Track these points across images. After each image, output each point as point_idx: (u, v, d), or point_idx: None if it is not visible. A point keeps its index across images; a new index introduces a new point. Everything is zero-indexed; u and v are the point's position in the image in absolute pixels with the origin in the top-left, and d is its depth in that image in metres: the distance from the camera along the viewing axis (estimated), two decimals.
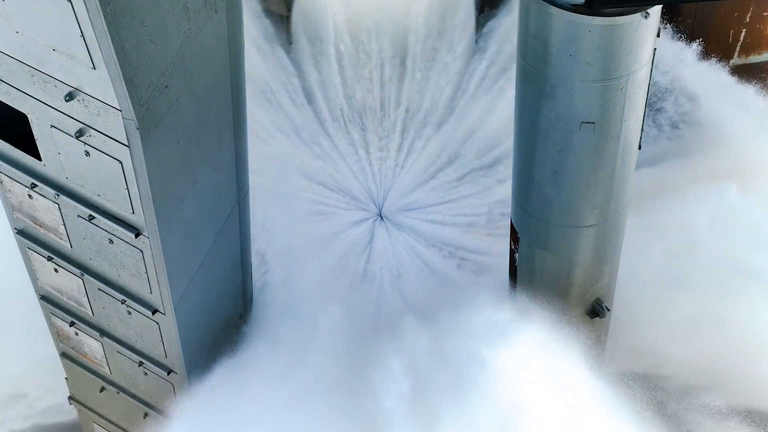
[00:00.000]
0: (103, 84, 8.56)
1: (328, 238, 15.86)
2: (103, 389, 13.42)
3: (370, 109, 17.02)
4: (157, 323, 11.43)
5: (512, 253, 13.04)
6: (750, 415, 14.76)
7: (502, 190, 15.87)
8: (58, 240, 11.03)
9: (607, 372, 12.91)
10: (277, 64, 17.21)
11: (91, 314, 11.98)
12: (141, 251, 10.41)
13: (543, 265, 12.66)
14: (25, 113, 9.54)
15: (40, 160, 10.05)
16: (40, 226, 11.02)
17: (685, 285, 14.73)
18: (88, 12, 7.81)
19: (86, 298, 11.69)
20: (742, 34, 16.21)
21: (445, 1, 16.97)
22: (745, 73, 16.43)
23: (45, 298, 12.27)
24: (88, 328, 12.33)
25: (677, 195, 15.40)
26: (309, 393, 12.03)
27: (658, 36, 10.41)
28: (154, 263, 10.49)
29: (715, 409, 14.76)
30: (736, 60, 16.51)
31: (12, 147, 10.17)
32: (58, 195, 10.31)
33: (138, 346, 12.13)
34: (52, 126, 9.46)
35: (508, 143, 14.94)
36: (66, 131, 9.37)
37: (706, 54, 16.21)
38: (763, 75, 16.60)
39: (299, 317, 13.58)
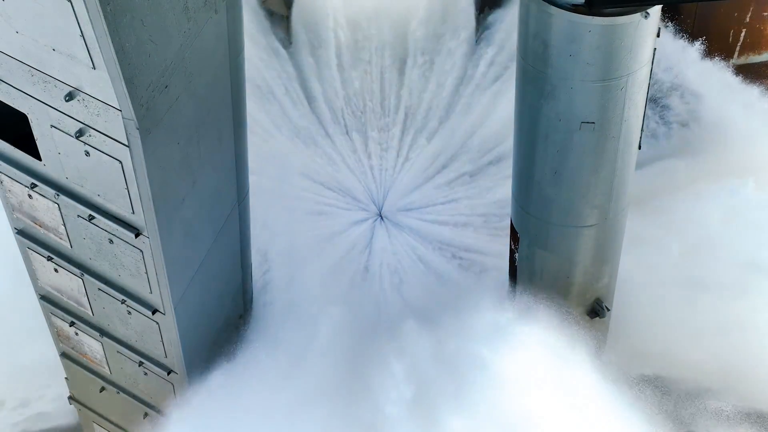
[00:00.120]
0: (103, 84, 8.56)
1: (328, 238, 15.86)
2: (103, 389, 13.42)
3: (370, 109, 17.02)
4: (157, 323, 11.43)
5: (512, 253, 13.04)
6: (759, 420, 14.70)
7: (502, 190, 15.87)
8: (58, 240, 11.03)
9: (617, 375, 12.82)
10: (277, 64, 17.21)
11: (91, 314, 11.98)
12: (141, 251, 10.41)
13: (543, 265, 12.66)
14: (25, 113, 9.54)
15: (40, 160, 10.05)
16: (40, 226, 11.02)
17: (703, 284, 14.60)
18: (88, 12, 7.81)
19: (86, 298, 11.69)
20: (742, 34, 16.22)
21: (445, 1, 16.98)
22: (745, 73, 16.43)
23: (45, 298, 12.27)
24: (88, 328, 12.33)
25: (688, 192, 15.31)
26: (308, 399, 12.00)
27: (658, 36, 10.41)
28: (154, 263, 10.49)
29: (730, 413, 14.67)
30: (736, 60, 16.51)
31: (12, 147, 10.17)
32: (58, 195, 10.31)
33: (138, 346, 12.13)
34: (52, 126, 9.46)
35: (508, 143, 14.94)
36: (66, 131, 9.37)
37: (706, 54, 16.22)
38: (764, 75, 16.61)
39: (299, 318, 13.57)
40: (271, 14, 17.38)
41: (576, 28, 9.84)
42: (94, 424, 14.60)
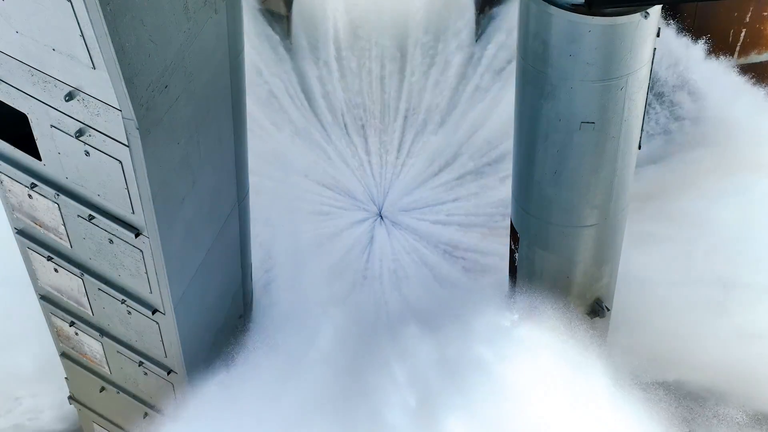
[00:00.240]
0: (103, 84, 8.56)
1: (328, 238, 15.86)
2: (103, 389, 13.42)
3: (370, 109, 17.02)
4: (157, 323, 11.43)
5: (512, 253, 13.04)
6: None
7: (502, 190, 15.87)
8: (58, 240, 11.03)
9: (630, 379, 12.74)
10: (277, 64, 17.20)
11: (91, 314, 11.98)
12: (141, 251, 10.41)
13: (543, 265, 12.66)
14: (25, 113, 9.54)
15: (40, 160, 10.05)
16: (40, 226, 11.02)
17: (730, 285, 14.48)
18: (88, 12, 7.81)
19: (86, 298, 11.69)
20: (742, 33, 16.22)
21: (445, 0, 16.97)
22: (745, 72, 16.43)
23: (45, 298, 12.27)
24: (88, 328, 12.33)
25: (700, 189, 15.21)
26: (308, 406, 11.94)
27: (658, 36, 10.41)
28: (154, 263, 10.49)
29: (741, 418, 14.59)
30: (736, 60, 16.51)
31: (12, 147, 10.17)
32: (58, 195, 10.31)
33: (138, 346, 12.13)
34: (52, 126, 9.46)
35: (508, 143, 14.94)
36: (66, 131, 9.37)
37: (706, 53, 16.21)
38: (764, 74, 16.60)
39: (299, 320, 13.54)
40: (271, 14, 17.37)
41: (576, 28, 9.84)
42: (94, 424, 14.59)
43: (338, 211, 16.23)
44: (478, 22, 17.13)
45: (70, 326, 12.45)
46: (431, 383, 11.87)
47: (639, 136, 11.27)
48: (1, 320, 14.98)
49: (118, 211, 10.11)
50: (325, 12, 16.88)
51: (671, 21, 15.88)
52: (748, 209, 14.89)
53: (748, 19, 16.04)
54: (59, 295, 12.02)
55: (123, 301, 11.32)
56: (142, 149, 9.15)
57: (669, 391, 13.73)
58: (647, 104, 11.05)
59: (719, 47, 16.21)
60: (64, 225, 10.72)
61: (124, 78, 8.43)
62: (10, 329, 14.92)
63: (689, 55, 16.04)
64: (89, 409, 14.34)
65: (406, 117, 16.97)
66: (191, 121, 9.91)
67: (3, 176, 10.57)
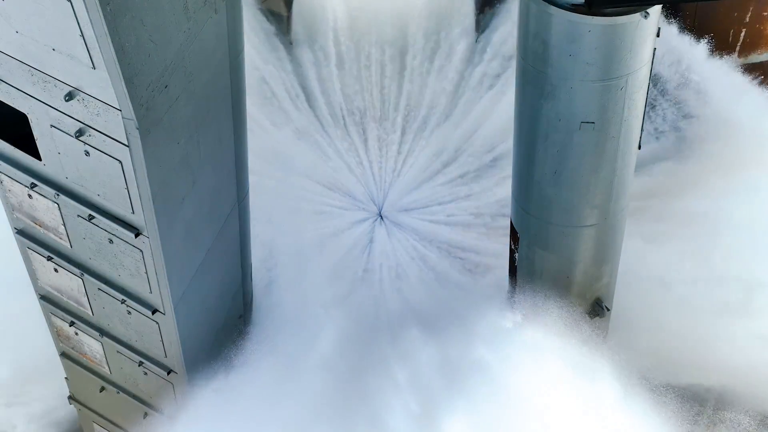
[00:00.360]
0: (102, 84, 8.56)
1: (328, 237, 15.86)
2: (103, 389, 13.42)
3: (370, 109, 17.02)
4: (157, 323, 11.43)
5: (512, 252, 13.04)
6: None
7: (502, 190, 15.87)
8: (58, 240, 11.03)
9: (640, 381, 12.68)
10: (277, 64, 17.21)
11: (90, 314, 11.98)
12: (141, 251, 10.41)
13: (543, 265, 12.66)
14: (25, 113, 9.54)
15: (40, 160, 10.05)
16: (39, 226, 11.02)
17: (748, 285, 14.39)
18: (88, 12, 7.81)
19: (86, 297, 11.69)
20: (742, 33, 16.22)
21: (445, 1, 16.98)
22: (746, 72, 16.43)
23: (45, 298, 12.27)
24: (88, 328, 12.33)
25: (708, 188, 15.16)
26: (307, 413, 11.91)
27: (658, 36, 10.41)
28: (154, 263, 10.49)
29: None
30: (736, 59, 16.50)
31: (12, 147, 10.17)
32: (58, 195, 10.31)
33: (138, 346, 12.13)
34: (51, 126, 9.46)
35: (508, 143, 14.95)
36: (66, 131, 9.37)
37: (708, 53, 16.22)
38: (764, 74, 16.60)
39: (299, 321, 13.52)
40: (271, 14, 17.38)
41: (576, 27, 9.84)
42: (94, 424, 14.59)
43: (338, 211, 16.23)
44: (478, 22, 17.14)
45: (70, 326, 12.45)
46: (434, 386, 11.83)
47: (639, 136, 11.27)
48: (1, 320, 14.98)
49: (118, 211, 10.11)
50: (325, 12, 16.89)
51: (672, 20, 15.88)
52: (756, 207, 14.82)
53: (748, 19, 16.04)
54: (59, 295, 12.02)
55: (123, 301, 11.32)
56: (142, 149, 9.15)
57: (679, 394, 13.64)
58: (648, 103, 11.04)
59: (719, 47, 16.21)
60: (64, 225, 10.72)
61: (124, 78, 8.43)
62: (10, 329, 14.92)
63: (693, 54, 16.02)
64: (89, 409, 14.34)
65: (406, 117, 16.97)
66: (191, 121, 9.91)
67: (3, 176, 10.57)
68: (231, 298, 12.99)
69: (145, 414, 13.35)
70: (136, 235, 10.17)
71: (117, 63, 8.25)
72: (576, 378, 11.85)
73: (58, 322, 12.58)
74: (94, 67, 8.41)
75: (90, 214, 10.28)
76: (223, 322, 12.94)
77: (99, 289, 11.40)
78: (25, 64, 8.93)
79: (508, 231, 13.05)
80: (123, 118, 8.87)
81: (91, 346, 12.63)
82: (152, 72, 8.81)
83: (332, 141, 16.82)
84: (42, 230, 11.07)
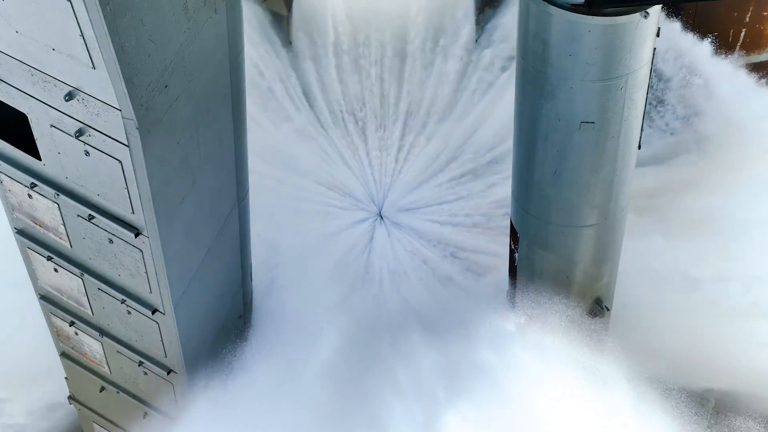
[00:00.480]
0: (102, 84, 8.56)
1: (328, 237, 15.86)
2: (103, 389, 13.41)
3: (370, 109, 17.02)
4: (157, 323, 11.43)
5: (512, 252, 13.03)
6: None
7: (502, 190, 15.87)
8: (58, 240, 11.03)
9: (654, 385, 12.63)
10: (277, 64, 17.22)
11: (90, 314, 11.98)
12: (141, 251, 10.41)
13: (543, 265, 12.66)
14: (25, 113, 9.54)
15: (40, 159, 10.06)
16: (39, 226, 11.02)
17: (759, 284, 14.32)
18: (87, 12, 7.81)
19: (86, 297, 11.69)
20: (742, 33, 16.22)
21: (445, 1, 16.98)
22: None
23: (45, 298, 12.27)
24: (88, 328, 12.33)
25: (716, 185, 15.10)
26: (308, 418, 11.89)
27: (658, 36, 10.41)
28: (154, 263, 10.49)
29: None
30: (736, 59, 16.51)
31: (12, 147, 10.17)
32: (58, 195, 10.31)
33: (138, 345, 12.13)
34: (51, 126, 9.46)
35: (508, 143, 14.95)
36: (66, 131, 9.37)
37: (712, 52, 16.23)
38: (764, 74, 16.61)
39: (299, 322, 13.50)
40: (271, 14, 17.39)
41: (576, 27, 9.84)
42: (94, 424, 14.59)
43: (338, 211, 16.23)
44: (478, 22, 17.14)
45: (70, 326, 12.45)
46: (436, 391, 11.78)
47: (639, 136, 11.27)
48: (0, 320, 14.98)
49: (118, 211, 10.11)
50: (325, 12, 16.89)
51: (674, 18, 15.89)
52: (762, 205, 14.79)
53: (747, 19, 16.05)
54: (59, 295, 12.02)
55: (123, 301, 11.32)
56: (142, 149, 9.15)
57: (692, 397, 13.57)
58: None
59: (719, 47, 16.21)
60: (64, 225, 10.72)
61: (123, 78, 8.43)
62: (10, 329, 14.92)
63: (697, 52, 16.02)
64: (89, 409, 14.34)
65: (406, 117, 16.98)
66: (191, 121, 9.91)
67: (3, 176, 10.57)
68: (231, 298, 12.99)
69: (145, 414, 13.34)
70: (136, 235, 10.17)
71: (117, 63, 8.26)
72: (586, 382, 11.80)
73: (58, 322, 12.58)
74: (94, 67, 8.41)
75: (90, 214, 10.28)
76: (223, 322, 12.94)
77: (99, 289, 11.40)
78: (25, 64, 8.93)
79: (508, 231, 13.05)
80: (123, 118, 8.87)
81: (91, 346, 12.63)
82: (152, 72, 8.81)
83: (332, 141, 16.82)
84: (42, 230, 11.07)
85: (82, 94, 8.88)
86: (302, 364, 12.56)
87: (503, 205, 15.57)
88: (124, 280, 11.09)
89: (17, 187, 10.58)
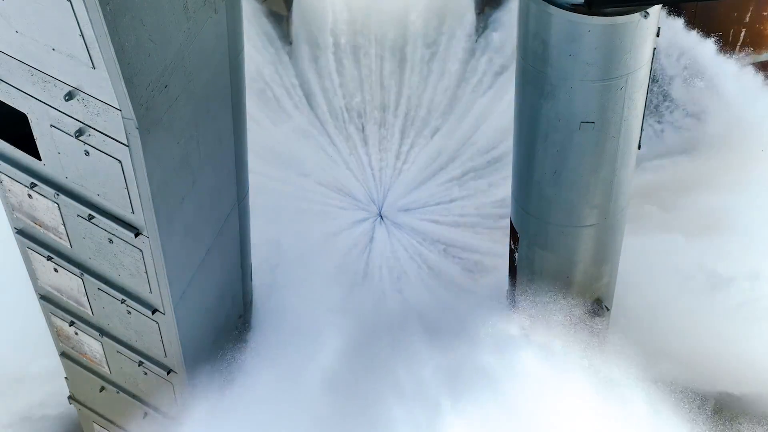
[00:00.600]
0: (102, 83, 8.56)
1: (328, 237, 15.86)
2: (103, 389, 13.41)
3: (370, 109, 17.03)
4: (157, 323, 11.43)
5: (512, 252, 13.04)
6: None
7: (502, 190, 15.88)
8: (58, 240, 11.03)
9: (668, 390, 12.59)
10: (277, 64, 17.22)
11: (90, 314, 11.98)
12: (141, 251, 10.41)
13: (543, 265, 12.66)
14: (25, 113, 9.55)
15: (39, 159, 10.06)
16: (39, 226, 11.02)
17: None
18: (87, 12, 7.81)
19: (86, 297, 11.69)
20: (742, 33, 16.22)
21: (445, 1, 16.99)
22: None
23: (45, 298, 12.27)
24: (87, 328, 12.33)
25: (722, 184, 15.06)
26: (308, 421, 11.87)
27: (658, 36, 10.41)
28: (154, 263, 10.49)
29: None
30: (737, 59, 16.52)
31: (12, 147, 10.17)
32: (57, 195, 10.31)
33: (138, 345, 12.13)
34: (51, 125, 9.46)
35: (507, 143, 14.96)
36: (66, 131, 9.37)
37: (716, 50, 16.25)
38: (764, 74, 16.62)
39: (299, 324, 13.48)
40: (271, 14, 17.39)
41: (576, 27, 9.84)
42: (94, 424, 14.59)
43: (338, 211, 16.23)
44: (478, 22, 17.14)
45: (70, 326, 12.45)
46: (439, 395, 11.74)
47: (639, 135, 11.27)
48: (0, 320, 14.98)
49: (118, 211, 10.11)
50: (325, 12, 16.90)
51: (676, 17, 15.90)
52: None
53: (747, 19, 16.05)
54: (59, 294, 12.02)
55: (123, 301, 11.33)
56: (141, 149, 9.15)
57: (706, 399, 13.53)
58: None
59: (720, 47, 16.22)
60: (64, 225, 10.72)
61: (123, 78, 8.43)
62: (10, 329, 14.92)
63: (701, 51, 16.01)
64: (89, 408, 14.34)
65: (406, 116, 16.98)
66: (191, 121, 9.91)
67: (3, 176, 10.57)
68: (231, 298, 12.99)
69: (145, 414, 13.34)
70: (136, 235, 10.18)
71: (117, 63, 8.26)
72: (594, 386, 11.78)
73: (58, 322, 12.58)
74: (93, 67, 8.41)
75: (90, 214, 10.28)
76: (223, 322, 12.94)
77: (99, 289, 11.40)
78: (25, 64, 8.93)
79: (508, 231, 13.05)
80: (123, 117, 8.88)
81: (91, 345, 12.63)
82: (152, 72, 8.81)
83: (332, 140, 16.82)
84: (42, 230, 11.07)
85: (82, 94, 8.88)
86: (302, 365, 12.56)
87: (503, 205, 15.57)
88: (124, 280, 11.10)
89: (17, 187, 10.58)
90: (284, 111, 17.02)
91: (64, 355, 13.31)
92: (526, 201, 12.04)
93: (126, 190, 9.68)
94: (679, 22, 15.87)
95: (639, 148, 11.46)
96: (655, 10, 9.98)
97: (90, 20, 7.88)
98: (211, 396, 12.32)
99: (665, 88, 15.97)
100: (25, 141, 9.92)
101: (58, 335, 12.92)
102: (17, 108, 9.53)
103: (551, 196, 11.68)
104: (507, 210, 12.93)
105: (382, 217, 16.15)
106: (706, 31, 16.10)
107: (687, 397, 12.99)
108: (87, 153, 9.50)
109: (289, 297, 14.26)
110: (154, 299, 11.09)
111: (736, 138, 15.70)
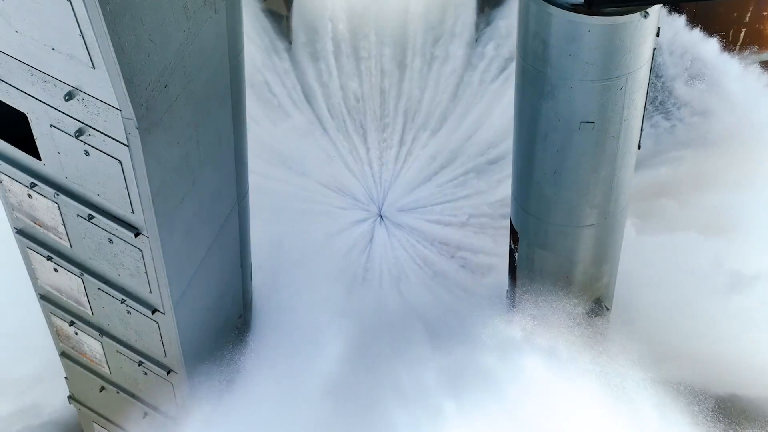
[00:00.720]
0: (102, 83, 8.56)
1: (328, 237, 15.85)
2: (102, 389, 13.41)
3: (370, 109, 17.02)
4: (157, 323, 11.43)
5: (512, 252, 13.04)
6: None
7: (502, 190, 15.87)
8: (58, 239, 11.03)
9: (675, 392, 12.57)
10: (277, 64, 17.21)
11: (90, 314, 11.98)
12: (140, 251, 10.41)
13: (543, 265, 12.66)
14: (25, 113, 9.55)
15: (39, 159, 10.06)
16: (39, 226, 11.02)
17: None
18: (87, 12, 7.81)
19: (86, 297, 11.69)
20: (742, 33, 16.23)
21: (445, 0, 16.98)
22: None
23: (45, 298, 12.27)
24: (87, 328, 12.33)
25: (728, 183, 15.03)
26: (307, 423, 11.85)
27: (658, 36, 10.41)
28: (154, 263, 10.49)
29: None
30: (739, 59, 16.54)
31: (12, 147, 10.17)
32: (57, 194, 10.31)
33: (138, 345, 12.13)
34: (51, 125, 9.46)
35: (507, 143, 14.95)
36: (65, 131, 9.37)
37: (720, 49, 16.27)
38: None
39: (299, 324, 13.47)
40: (271, 14, 17.39)
41: (575, 27, 9.84)
42: (94, 424, 14.59)
43: (338, 211, 16.23)
44: (477, 22, 17.14)
45: (70, 326, 12.45)
46: (441, 398, 11.71)
47: (639, 135, 11.28)
48: (0, 320, 14.97)
49: (118, 211, 10.11)
50: (325, 12, 16.89)
51: (677, 15, 15.91)
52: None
53: (747, 19, 16.06)
54: (59, 294, 12.02)
55: (123, 301, 11.33)
56: (141, 149, 9.15)
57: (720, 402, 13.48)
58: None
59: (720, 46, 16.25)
60: (64, 225, 10.72)
61: (123, 78, 8.43)
62: (10, 329, 14.91)
63: (704, 49, 16.01)
64: (89, 408, 14.34)
65: (406, 116, 16.97)
66: (191, 121, 9.91)
67: (3, 176, 10.58)
68: (231, 298, 12.99)
69: (145, 414, 13.34)
70: (136, 235, 10.18)
71: (117, 63, 8.26)
72: (599, 390, 11.77)
73: (58, 322, 12.58)
74: (93, 67, 8.41)
75: (90, 214, 10.28)
76: (223, 322, 12.94)
77: (99, 288, 11.40)
78: (25, 64, 8.93)
79: (507, 231, 13.05)
80: (123, 117, 8.88)
81: (91, 345, 12.63)
82: (152, 72, 8.81)
83: (332, 141, 16.81)
84: (42, 230, 11.07)
85: (82, 94, 8.88)
86: (302, 365, 12.55)
87: (503, 205, 15.57)
88: (124, 280, 11.10)
89: (17, 187, 10.58)
90: (284, 111, 17.01)
91: (64, 355, 13.31)
92: (526, 201, 12.04)
93: (126, 190, 9.68)
94: (680, 21, 15.87)
95: (639, 148, 11.46)
96: (655, 10, 9.98)
97: (90, 20, 7.88)
98: (211, 396, 12.32)
99: (668, 84, 15.96)
100: (25, 141, 9.92)
101: (58, 335, 12.93)
102: (17, 108, 9.54)
103: (551, 195, 11.68)
104: (507, 210, 12.93)
105: (382, 217, 16.15)
106: (707, 31, 16.11)
107: (696, 399, 12.98)
108: (87, 153, 9.50)
109: (288, 297, 14.25)
110: (153, 299, 11.09)
111: (745, 136, 15.66)
